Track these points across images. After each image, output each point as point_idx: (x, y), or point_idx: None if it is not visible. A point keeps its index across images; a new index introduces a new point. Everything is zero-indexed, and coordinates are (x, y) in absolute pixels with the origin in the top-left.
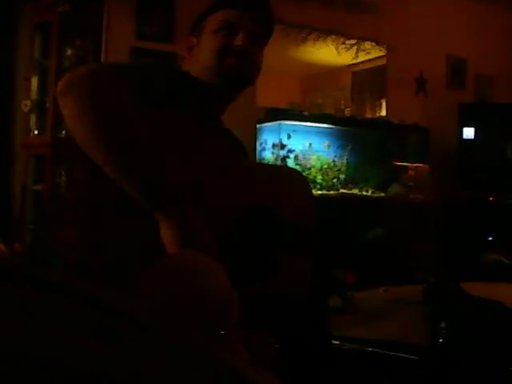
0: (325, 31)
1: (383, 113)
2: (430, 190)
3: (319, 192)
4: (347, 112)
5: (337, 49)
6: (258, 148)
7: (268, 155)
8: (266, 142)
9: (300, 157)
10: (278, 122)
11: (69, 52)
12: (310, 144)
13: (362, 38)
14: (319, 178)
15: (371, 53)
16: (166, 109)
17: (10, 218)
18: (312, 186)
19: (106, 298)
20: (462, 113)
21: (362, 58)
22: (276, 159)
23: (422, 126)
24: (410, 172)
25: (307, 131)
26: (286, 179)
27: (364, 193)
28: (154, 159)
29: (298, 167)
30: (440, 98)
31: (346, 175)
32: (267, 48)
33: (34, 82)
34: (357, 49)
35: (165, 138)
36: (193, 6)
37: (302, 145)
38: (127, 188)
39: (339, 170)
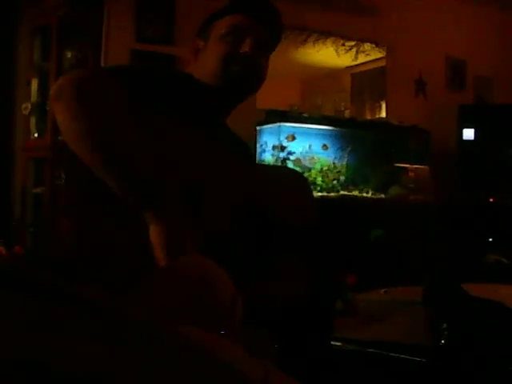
0: (324, 33)
1: (383, 114)
2: (430, 191)
3: (319, 194)
4: (347, 114)
5: (336, 50)
6: (258, 150)
7: (268, 157)
8: (265, 143)
9: (300, 159)
10: (278, 123)
11: (69, 55)
12: (310, 146)
13: (361, 40)
14: (319, 180)
15: (371, 54)
16: (164, 112)
17: (10, 220)
18: (312, 187)
19: (106, 302)
20: (462, 114)
21: (361, 59)
22: (276, 161)
23: (422, 128)
24: (410, 173)
25: (307, 133)
26: (287, 180)
27: (364, 194)
28: (139, 161)
29: (297, 169)
30: (440, 99)
31: (346, 177)
32: None
33: (34, 84)
34: (356, 50)
35: (160, 141)
36: (192, 9)
37: (301, 147)
38: (115, 188)
39: (339, 171)
